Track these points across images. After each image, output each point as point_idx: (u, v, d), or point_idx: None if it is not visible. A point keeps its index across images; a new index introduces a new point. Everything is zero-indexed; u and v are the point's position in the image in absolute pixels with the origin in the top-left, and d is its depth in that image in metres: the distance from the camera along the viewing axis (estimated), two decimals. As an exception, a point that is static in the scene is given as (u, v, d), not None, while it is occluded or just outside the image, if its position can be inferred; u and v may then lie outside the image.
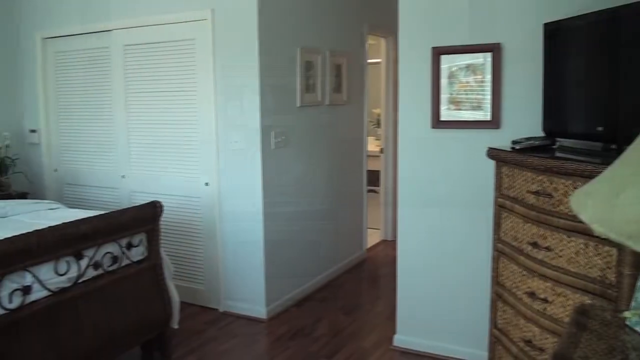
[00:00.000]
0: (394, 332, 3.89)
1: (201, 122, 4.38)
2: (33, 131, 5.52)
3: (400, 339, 3.85)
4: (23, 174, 5.38)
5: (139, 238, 3.41)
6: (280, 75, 4.35)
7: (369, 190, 6.07)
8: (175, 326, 3.67)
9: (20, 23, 5.48)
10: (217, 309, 4.50)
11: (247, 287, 4.36)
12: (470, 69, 3.42)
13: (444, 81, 3.51)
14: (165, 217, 3.66)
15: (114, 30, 4.75)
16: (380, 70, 6.46)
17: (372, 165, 6.28)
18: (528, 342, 2.54)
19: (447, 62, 3.49)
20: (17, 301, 2.72)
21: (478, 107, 3.42)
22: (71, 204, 4.81)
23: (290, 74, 4.46)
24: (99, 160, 5.09)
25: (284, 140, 4.39)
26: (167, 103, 4.54)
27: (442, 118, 3.54)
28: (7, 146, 5.17)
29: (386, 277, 5.41)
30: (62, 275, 2.94)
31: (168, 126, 4.55)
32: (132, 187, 4.84)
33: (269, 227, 4.28)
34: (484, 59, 3.36)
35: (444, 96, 3.52)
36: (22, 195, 5.05)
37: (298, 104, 4.55)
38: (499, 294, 2.85)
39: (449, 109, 3.51)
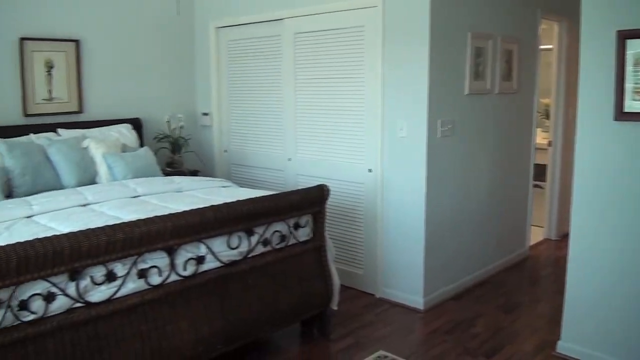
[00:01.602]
0: (557, 337, 3.62)
1: (367, 108, 4.37)
2: (205, 114, 5.86)
3: (565, 346, 3.57)
4: (195, 154, 5.75)
5: (306, 219, 3.50)
6: (449, 61, 4.21)
7: (534, 185, 5.74)
8: (335, 307, 3.73)
9: (196, 14, 5.85)
10: (374, 295, 4.50)
11: (406, 275, 4.31)
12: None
13: (629, 69, 3.18)
14: (328, 201, 3.69)
15: (286, 19, 4.88)
16: (550, 58, 6.07)
17: (539, 159, 5.92)
18: None
19: (634, 48, 3.16)
20: (190, 269, 2.90)
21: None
22: (238, 184, 5.02)
23: (459, 60, 4.31)
24: (266, 143, 5.30)
25: (451, 129, 4.26)
26: (334, 89, 4.59)
27: (626, 109, 3.21)
28: (181, 127, 5.54)
29: (549, 277, 5.10)
30: (233, 249, 3.08)
31: (334, 112, 4.60)
32: (297, 170, 4.97)
33: (430, 217, 4.19)
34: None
35: (628, 85, 3.19)
36: (194, 173, 5.39)
37: (466, 92, 4.39)
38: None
39: (633, 99, 3.18)
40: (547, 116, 6.44)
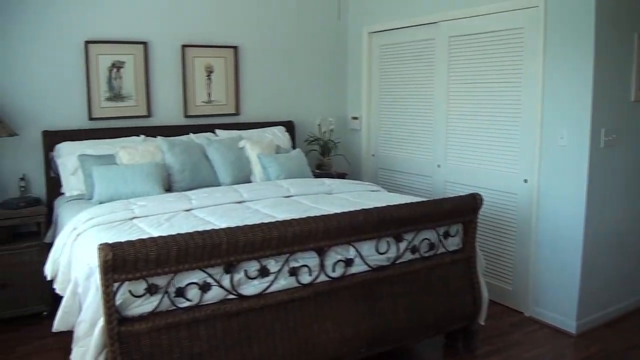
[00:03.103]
0: None
1: (524, 115, 4.16)
2: (355, 118, 5.92)
3: None
4: (343, 157, 5.82)
5: (456, 228, 3.40)
6: (614, 65, 3.89)
7: None
8: (482, 322, 3.59)
9: (350, 19, 5.92)
10: (522, 313, 4.27)
11: (558, 295, 4.04)
12: None
13: None
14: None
15: (440, 22, 4.80)
16: None
17: None
18: None
19: None
20: (339, 271, 2.94)
21: None
22: (385, 188, 5.00)
23: (624, 65, 3.97)
24: (415, 149, 5.24)
25: (615, 139, 3.94)
26: (489, 94, 4.42)
27: None
28: (331, 130, 5.64)
29: None
30: (382, 254, 3.07)
31: (488, 118, 4.44)
32: (446, 177, 4.86)
33: (590, 233, 3.89)
34: None
35: None
36: (341, 176, 5.46)
37: (632, 99, 4.04)
38: None
39: None
40: None
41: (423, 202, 3.39)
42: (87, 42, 4.62)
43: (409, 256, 3.20)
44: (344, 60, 6.03)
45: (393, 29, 5.37)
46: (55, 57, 4.53)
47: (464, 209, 3.34)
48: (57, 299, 3.49)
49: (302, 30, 5.71)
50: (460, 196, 3.42)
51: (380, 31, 5.55)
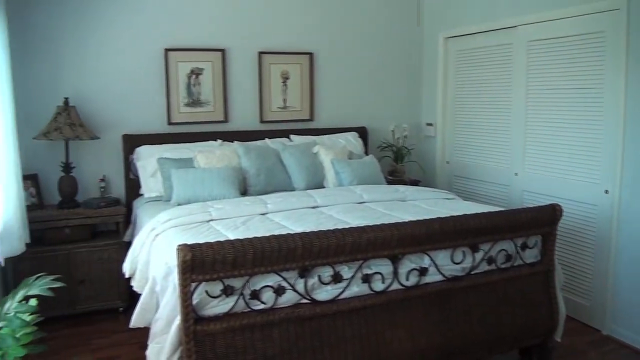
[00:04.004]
0: None
1: (607, 122, 3.98)
2: (429, 124, 5.85)
3: None
4: (417, 163, 5.76)
5: (534, 240, 3.29)
6: None
7: None
8: (558, 339, 3.45)
9: (426, 25, 5.87)
10: (600, 331, 4.08)
11: (639, 314, 3.85)
12: None
13: None
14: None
15: (519, 27, 4.68)
16: None
17: None
18: None
19: None
20: (413, 280, 2.90)
21: None
22: (460, 196, 4.91)
23: None
24: (491, 156, 5.12)
25: None
26: (568, 100, 4.26)
27: None
28: (405, 137, 5.60)
29: None
30: (457, 263, 3.01)
31: (568, 125, 4.28)
32: (524, 186, 4.73)
33: (677, 250, 3.70)
34: None
35: None
36: (414, 183, 5.40)
37: None
38: None
39: None
40: None
41: (500, 211, 3.30)
42: (167, 50, 4.79)
43: (485, 267, 3.12)
44: (419, 65, 5.98)
45: (470, 34, 5.29)
46: (137, 64, 4.73)
47: (543, 220, 3.23)
48: (133, 295, 3.63)
49: (377, 36, 5.70)
50: (539, 207, 3.30)
51: (457, 36, 5.47)
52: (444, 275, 2.97)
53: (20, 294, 1.48)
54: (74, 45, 4.52)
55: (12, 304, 1.43)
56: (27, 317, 1.37)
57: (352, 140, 5.26)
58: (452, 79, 5.58)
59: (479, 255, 3.08)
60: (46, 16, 4.41)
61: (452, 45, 5.57)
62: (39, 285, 1.51)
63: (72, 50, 4.52)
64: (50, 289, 1.53)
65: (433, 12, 5.78)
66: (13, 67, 3.61)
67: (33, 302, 1.48)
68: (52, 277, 1.56)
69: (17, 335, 1.30)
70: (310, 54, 5.37)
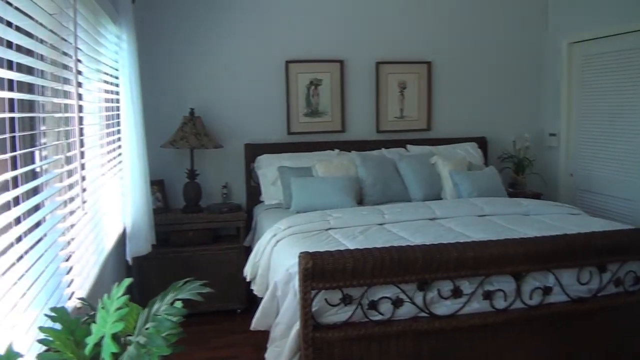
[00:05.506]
0: None
1: None
2: (553, 135, 5.60)
3: None
4: (539, 175, 5.53)
5: (667, 261, 3.07)
6: None
7: None
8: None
9: (549, 31, 5.63)
10: None
11: None
12: None
13: None
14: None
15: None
16: None
17: None
18: None
19: None
20: (536, 299, 2.80)
21: None
22: (585, 212, 4.67)
23: None
24: (620, 168, 4.81)
25: None
26: None
27: None
28: (527, 147, 5.40)
29: None
30: (583, 284, 2.87)
31: None
32: (655, 203, 4.42)
33: None
34: None
35: None
36: (536, 196, 5.17)
37: None
38: None
39: None
40: None
41: (631, 230, 3.11)
42: (288, 62, 4.93)
43: (612, 289, 2.93)
44: (541, 73, 5.74)
45: (595, 39, 5.00)
46: (259, 76, 4.92)
47: (678, 241, 3.00)
48: (251, 298, 3.75)
49: (497, 44, 5.54)
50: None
51: (581, 41, 5.18)
52: (569, 296, 2.84)
53: (169, 297, 1.59)
54: (199, 57, 4.77)
55: (160, 306, 1.53)
56: (175, 319, 1.47)
57: (471, 151, 5.14)
58: (578, 86, 5.30)
59: (606, 276, 2.90)
60: (172, 31, 4.70)
61: (576, 50, 5.29)
62: (188, 290, 1.62)
63: (198, 62, 4.77)
64: (199, 293, 1.64)
65: (556, 18, 5.51)
66: (142, 80, 3.80)
67: (178, 304, 1.59)
68: (200, 282, 1.66)
69: (164, 335, 1.40)
70: (428, 63, 5.32)
